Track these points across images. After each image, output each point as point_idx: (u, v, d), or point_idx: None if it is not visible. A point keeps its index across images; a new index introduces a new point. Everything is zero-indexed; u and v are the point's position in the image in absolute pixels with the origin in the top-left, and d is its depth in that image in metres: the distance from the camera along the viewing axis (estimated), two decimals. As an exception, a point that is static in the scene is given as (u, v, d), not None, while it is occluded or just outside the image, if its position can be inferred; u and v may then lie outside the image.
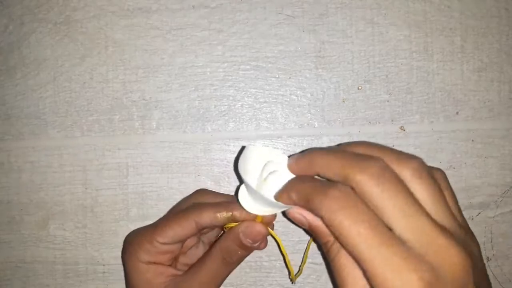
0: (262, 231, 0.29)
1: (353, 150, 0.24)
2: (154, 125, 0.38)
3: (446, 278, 0.20)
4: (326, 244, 0.24)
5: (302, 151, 0.27)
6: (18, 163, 0.39)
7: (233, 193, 0.38)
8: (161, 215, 0.38)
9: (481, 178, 0.38)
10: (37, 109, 0.38)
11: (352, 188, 0.22)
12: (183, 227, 0.30)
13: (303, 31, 0.38)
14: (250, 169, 0.29)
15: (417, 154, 0.38)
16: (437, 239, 0.20)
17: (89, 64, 0.38)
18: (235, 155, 0.38)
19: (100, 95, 0.38)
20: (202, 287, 0.31)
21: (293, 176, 0.27)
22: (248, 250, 0.31)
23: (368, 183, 0.21)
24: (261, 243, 0.31)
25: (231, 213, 0.30)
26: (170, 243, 0.31)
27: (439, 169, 0.26)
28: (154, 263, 0.31)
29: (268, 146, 0.30)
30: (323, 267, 0.38)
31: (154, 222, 0.34)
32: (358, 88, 0.38)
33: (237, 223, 0.30)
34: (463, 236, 0.22)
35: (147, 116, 0.38)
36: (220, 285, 0.32)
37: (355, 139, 0.38)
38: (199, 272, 0.31)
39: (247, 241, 0.30)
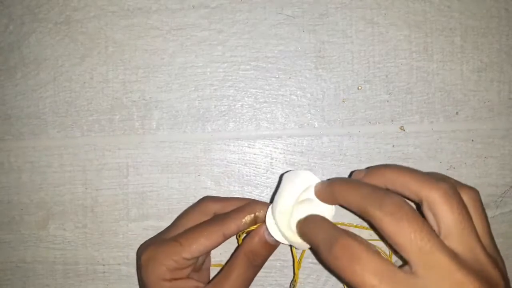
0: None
1: (375, 179, 0.27)
2: (154, 125, 0.38)
3: None
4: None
5: (329, 179, 0.29)
6: (18, 163, 0.39)
7: (233, 193, 0.38)
8: (161, 215, 0.38)
9: (481, 178, 0.38)
10: (37, 109, 0.38)
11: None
12: (212, 241, 0.30)
13: (303, 31, 0.38)
14: (290, 189, 0.31)
15: (417, 154, 0.38)
16: (454, 274, 0.21)
17: (89, 64, 0.38)
18: (235, 155, 0.38)
19: (100, 95, 0.38)
20: None
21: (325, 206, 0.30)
22: (271, 250, 0.31)
23: (386, 220, 0.23)
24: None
25: (253, 214, 0.31)
26: (197, 257, 0.30)
27: (471, 189, 0.26)
28: (176, 279, 0.30)
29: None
30: (323, 267, 0.38)
31: (169, 235, 0.32)
32: (358, 88, 0.38)
33: (255, 226, 0.31)
34: (485, 266, 0.22)
35: (147, 116, 0.38)
36: None
37: (355, 139, 0.38)
38: (228, 280, 0.30)
39: (271, 239, 0.31)
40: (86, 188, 0.38)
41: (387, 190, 0.25)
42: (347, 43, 0.38)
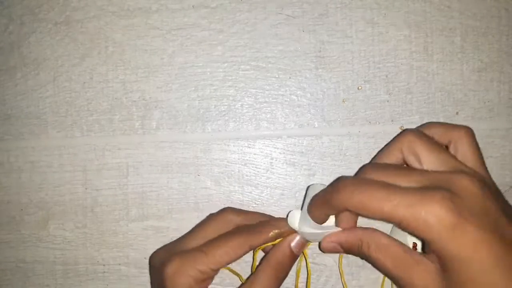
0: (305, 240, 0.32)
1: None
2: (154, 125, 0.38)
3: (465, 197, 0.23)
4: (360, 248, 0.28)
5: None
6: (18, 163, 0.39)
7: (233, 193, 0.38)
8: (161, 215, 0.38)
9: (481, 178, 0.38)
10: (37, 109, 0.38)
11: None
12: (238, 252, 0.30)
13: (303, 31, 0.38)
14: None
15: (417, 154, 0.38)
16: (458, 166, 0.25)
17: (89, 64, 0.38)
18: (235, 155, 0.38)
19: (100, 95, 0.38)
20: None
21: None
22: (294, 261, 0.32)
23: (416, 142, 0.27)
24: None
25: (277, 230, 0.31)
26: (222, 267, 0.30)
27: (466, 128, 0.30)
28: None
29: None
30: (323, 267, 0.38)
31: (189, 244, 0.32)
32: (358, 88, 0.38)
33: (278, 241, 0.32)
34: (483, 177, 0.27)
35: (147, 116, 0.38)
36: None
37: (355, 139, 0.38)
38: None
39: (297, 250, 0.31)
40: (86, 188, 0.38)
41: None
42: (347, 43, 0.38)
